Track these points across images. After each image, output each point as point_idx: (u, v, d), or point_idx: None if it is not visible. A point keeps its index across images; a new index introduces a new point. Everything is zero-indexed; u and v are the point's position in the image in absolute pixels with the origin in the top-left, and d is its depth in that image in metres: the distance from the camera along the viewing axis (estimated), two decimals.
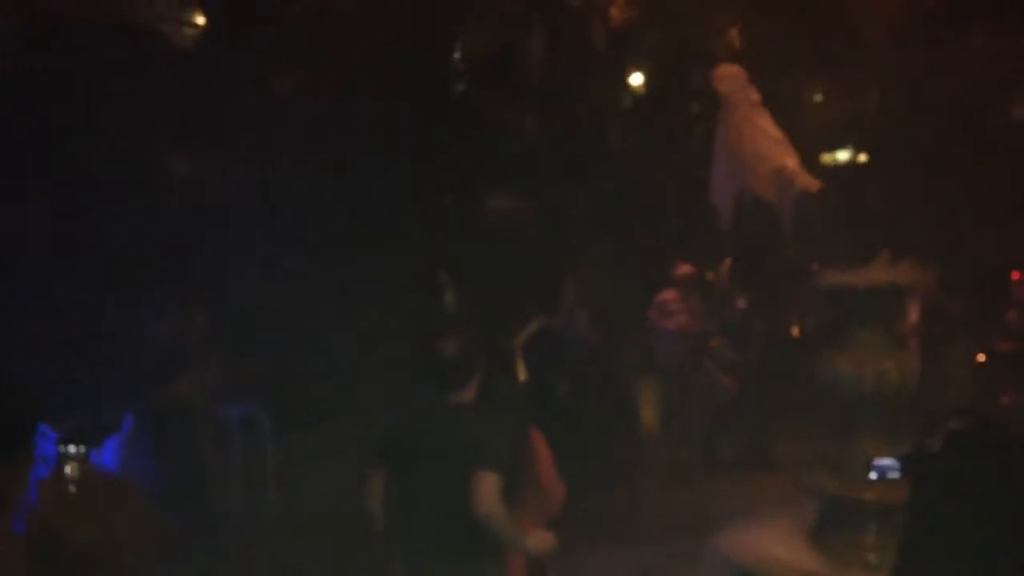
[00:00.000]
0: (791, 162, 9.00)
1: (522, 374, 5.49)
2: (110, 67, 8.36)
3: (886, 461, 4.99)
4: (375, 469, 3.59)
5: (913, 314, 7.55)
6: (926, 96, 11.83)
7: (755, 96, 9.32)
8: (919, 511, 1.86)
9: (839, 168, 12.95)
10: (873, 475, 4.54)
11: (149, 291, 6.02)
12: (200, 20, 9.47)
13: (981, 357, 7.85)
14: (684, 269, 8.73)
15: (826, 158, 12.70)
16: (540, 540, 3.56)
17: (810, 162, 9.78)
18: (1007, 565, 1.74)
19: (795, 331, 7.93)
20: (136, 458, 4.97)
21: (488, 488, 3.28)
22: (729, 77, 9.40)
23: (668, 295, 8.74)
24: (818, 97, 12.72)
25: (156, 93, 8.69)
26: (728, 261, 9.26)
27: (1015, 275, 7.48)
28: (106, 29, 8.64)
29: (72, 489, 2.81)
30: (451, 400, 3.52)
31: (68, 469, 2.90)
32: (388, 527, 3.55)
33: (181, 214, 8.85)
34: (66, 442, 3.08)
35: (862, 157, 12.93)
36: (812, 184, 9.04)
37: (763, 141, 9.05)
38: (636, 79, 12.03)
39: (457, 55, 10.83)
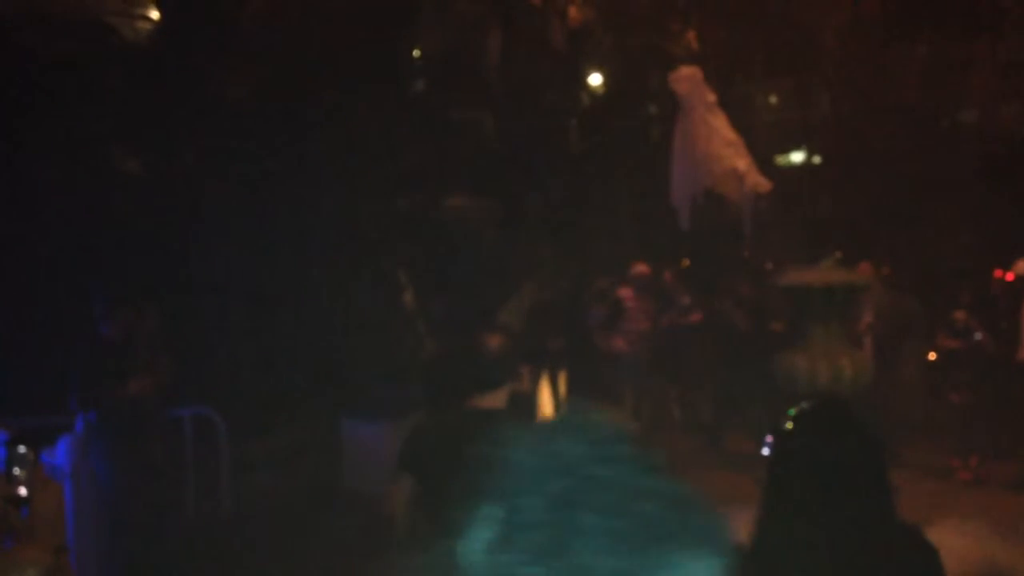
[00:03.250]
0: (742, 163, 9.12)
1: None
2: (58, 61, 8.17)
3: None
4: (402, 473, 3.39)
5: (868, 313, 7.68)
6: (876, 101, 12.07)
7: (711, 97, 9.42)
8: (774, 483, 2.03)
9: (792, 170, 13.14)
10: (765, 451, 4.65)
11: (100, 291, 5.89)
12: (153, 15, 9.29)
13: (932, 355, 8.00)
14: (640, 269, 8.80)
15: (780, 160, 12.88)
16: None
17: (764, 163, 9.91)
18: (847, 527, 1.94)
19: (750, 328, 8.02)
20: (89, 459, 4.86)
21: None
22: (686, 79, 9.50)
23: (625, 292, 8.81)
24: (772, 100, 12.90)
25: (106, 88, 8.51)
26: (685, 260, 9.35)
27: (997, 272, 7.66)
28: (55, 22, 8.45)
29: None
30: (484, 403, 3.33)
31: (16, 471, 2.82)
32: (415, 532, 3.39)
33: (132, 212, 8.68)
34: (15, 443, 3.00)
35: (815, 159, 13.14)
36: (763, 184, 9.17)
37: (717, 142, 9.17)
38: (595, 80, 12.09)
39: (415, 54, 10.78)
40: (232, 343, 8.34)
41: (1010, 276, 7.63)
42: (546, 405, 5.05)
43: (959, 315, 7.36)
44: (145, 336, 5.72)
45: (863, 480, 1.99)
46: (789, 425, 2.07)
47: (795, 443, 2.05)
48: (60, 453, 4.76)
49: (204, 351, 7.64)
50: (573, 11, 11.70)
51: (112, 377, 5.28)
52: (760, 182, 9.19)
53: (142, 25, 9.23)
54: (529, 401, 4.28)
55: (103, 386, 5.24)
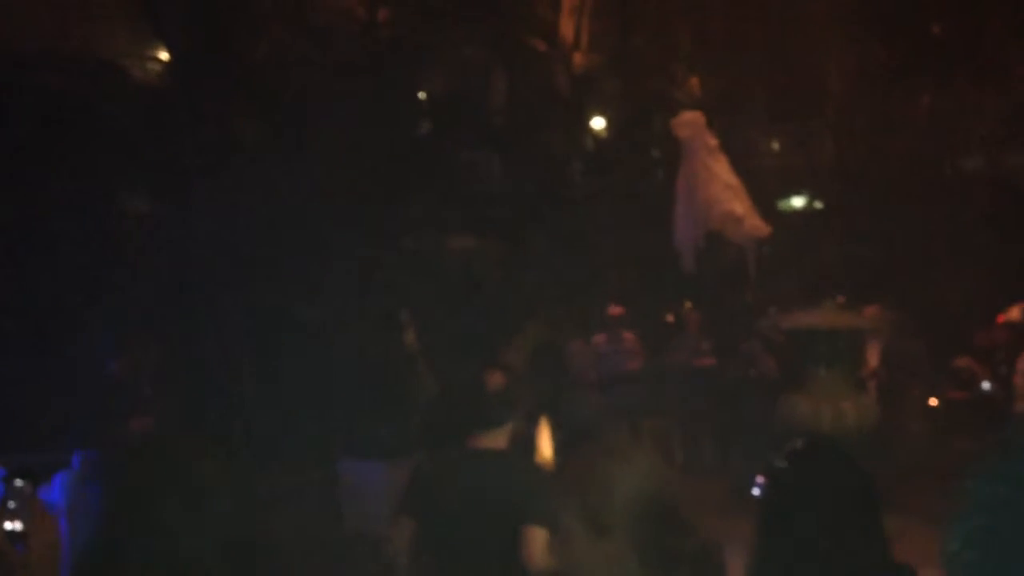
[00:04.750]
0: (740, 207, 9.18)
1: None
2: (68, 101, 8.28)
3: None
4: (403, 515, 3.34)
5: (873, 358, 7.66)
6: (880, 147, 12.15)
7: (713, 142, 9.51)
8: (767, 521, 2.05)
9: (795, 215, 13.20)
10: (756, 491, 4.64)
11: (103, 330, 5.91)
12: (163, 56, 9.44)
13: (934, 402, 7.97)
14: (614, 311, 8.83)
15: (782, 205, 12.94)
16: None
17: (766, 208, 9.96)
18: (840, 565, 1.95)
19: (775, 371, 8.02)
20: (86, 497, 4.83)
21: (540, 546, 3.07)
22: (689, 123, 9.59)
23: (599, 338, 8.86)
24: (775, 145, 13.00)
25: (114, 129, 8.62)
26: (688, 303, 9.36)
27: (999, 319, 7.67)
28: (65, 62, 8.58)
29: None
30: (486, 443, 3.30)
31: (13, 504, 2.81)
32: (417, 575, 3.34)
33: (137, 252, 8.73)
34: (12, 478, 2.99)
35: (817, 204, 13.20)
36: (762, 228, 9.22)
37: (716, 186, 9.23)
38: (598, 123, 12.21)
39: (421, 97, 10.91)
40: (235, 382, 8.33)
41: (1001, 319, 7.64)
42: (545, 447, 5.01)
43: (963, 362, 7.35)
44: (148, 374, 5.72)
45: (856, 518, 2.01)
46: (781, 464, 2.10)
47: (787, 481, 2.07)
48: (56, 489, 4.73)
49: (207, 390, 7.63)
50: (578, 56, 11.86)
51: (114, 415, 5.27)
52: (758, 226, 9.25)
53: (151, 66, 9.37)
54: (531, 442, 4.25)
55: (104, 424, 5.22)
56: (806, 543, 1.96)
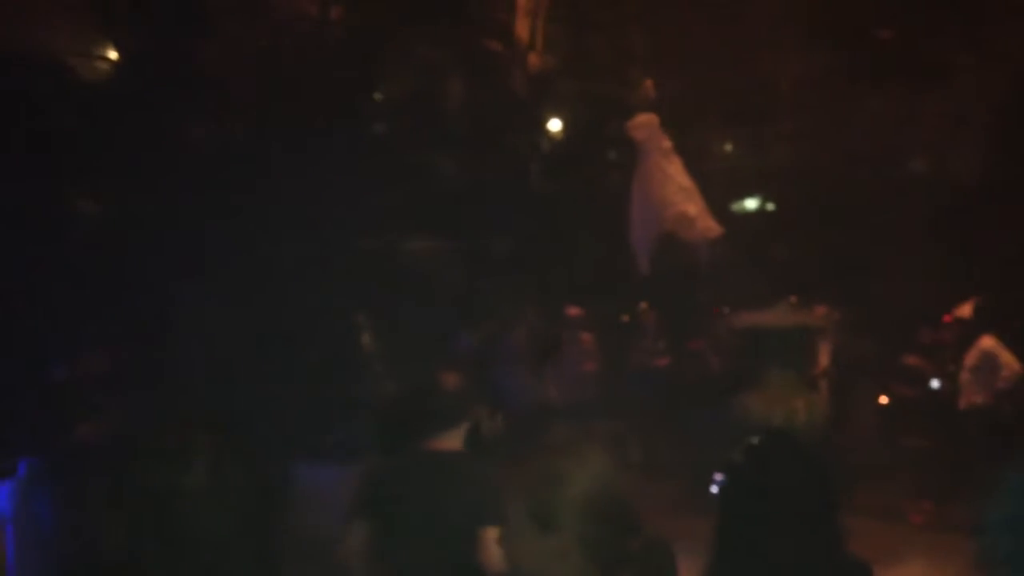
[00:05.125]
0: (692, 208, 9.28)
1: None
2: (10, 100, 8.09)
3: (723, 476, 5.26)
4: (357, 518, 3.34)
5: (824, 357, 7.78)
6: (829, 150, 12.35)
7: (667, 144, 9.61)
8: (725, 515, 2.09)
9: (748, 216, 13.36)
10: (714, 488, 4.73)
11: (49, 334, 5.78)
12: (111, 55, 9.27)
13: (884, 400, 8.12)
14: (572, 311, 8.88)
15: (735, 206, 13.10)
16: None
17: (719, 210, 10.08)
18: (797, 557, 1.99)
19: (722, 371, 8.12)
20: (32, 504, 4.73)
21: (497, 547, 3.09)
22: (643, 126, 9.68)
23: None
24: (728, 148, 13.15)
25: (62, 127, 8.44)
26: (644, 304, 9.43)
27: (946, 318, 7.84)
28: (8, 60, 8.38)
29: None
30: (440, 444, 3.31)
31: None
32: None
33: (86, 253, 8.56)
34: None
35: (769, 206, 13.38)
36: (713, 229, 9.33)
37: (670, 187, 9.34)
38: (554, 125, 12.26)
39: (378, 97, 10.85)
40: (184, 387, 8.20)
41: (948, 319, 7.82)
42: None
43: (912, 360, 7.50)
44: (95, 379, 5.62)
45: (813, 513, 2.04)
46: (739, 459, 2.13)
47: (745, 477, 2.10)
48: (1, 498, 4.63)
49: (156, 395, 7.50)
50: (533, 58, 11.89)
51: (61, 421, 5.16)
52: (711, 226, 9.35)
53: (100, 65, 9.20)
54: (488, 442, 4.25)
55: (51, 430, 5.12)
56: (764, 538, 1.99)
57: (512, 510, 1.76)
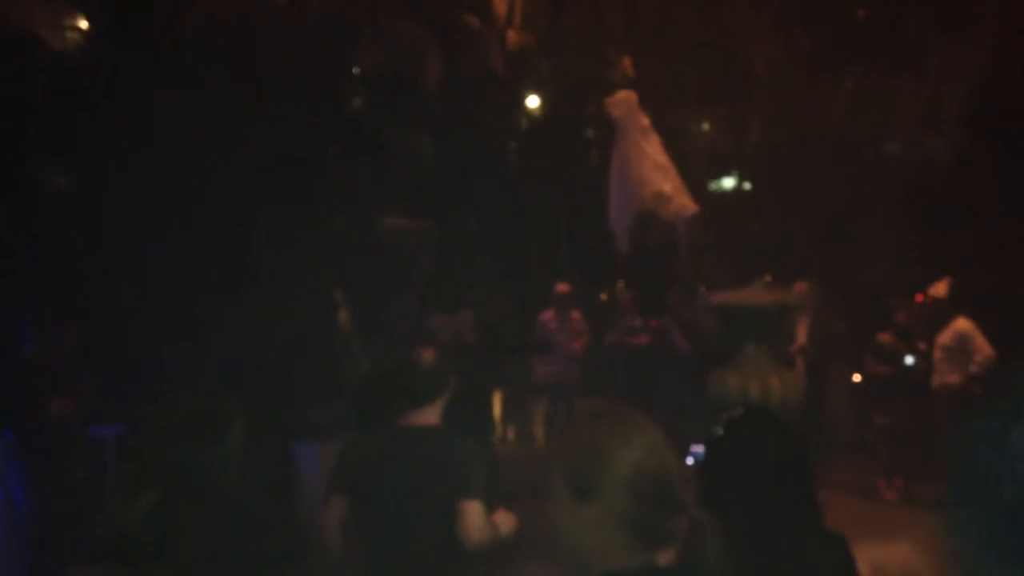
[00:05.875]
0: (668, 186, 9.29)
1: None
2: None
3: (700, 448, 5.33)
4: (335, 494, 3.31)
5: (801, 334, 7.83)
6: (805, 130, 12.41)
7: (645, 122, 9.59)
8: (705, 487, 2.12)
9: (724, 195, 13.41)
10: (690, 460, 4.82)
11: (22, 308, 5.71)
12: (82, 25, 9.09)
13: (857, 378, 8.19)
14: (561, 288, 8.88)
15: (712, 185, 13.14)
16: (508, 524, 3.35)
17: (696, 189, 10.10)
18: (775, 528, 2.03)
19: (689, 348, 8.14)
20: (6, 479, 4.68)
21: (476, 518, 3.12)
22: (622, 103, 9.65)
23: (547, 315, 8.89)
24: (705, 127, 13.17)
25: (30, 99, 8.29)
26: (621, 283, 9.45)
27: (918, 298, 7.89)
28: None
29: None
30: (418, 420, 3.30)
31: None
32: (349, 556, 3.30)
33: (56, 227, 8.43)
34: None
35: (746, 185, 13.43)
36: (689, 207, 9.35)
37: (647, 165, 9.33)
38: (532, 102, 12.20)
39: (354, 73, 10.74)
40: (158, 362, 8.13)
41: (919, 298, 7.88)
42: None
43: (885, 338, 7.55)
44: (67, 355, 5.55)
45: (791, 485, 2.07)
46: (719, 432, 2.15)
47: (726, 449, 2.12)
48: None
49: (129, 370, 7.43)
50: (512, 35, 11.82)
51: (32, 397, 5.11)
52: (687, 204, 9.37)
53: (71, 36, 9.03)
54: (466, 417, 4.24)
55: (23, 405, 5.06)
56: (743, 509, 2.02)
57: (553, 473, 1.73)
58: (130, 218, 8.45)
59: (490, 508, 3.25)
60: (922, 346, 7.63)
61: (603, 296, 9.34)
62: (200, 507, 1.96)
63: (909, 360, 7.24)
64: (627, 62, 10.35)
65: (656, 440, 1.76)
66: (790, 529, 2.07)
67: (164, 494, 2.02)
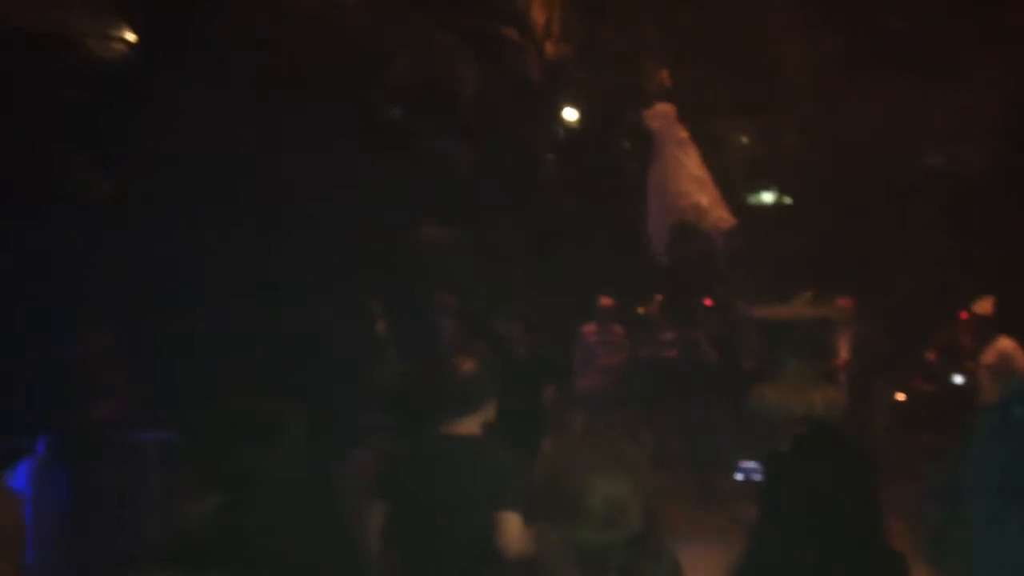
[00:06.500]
0: (705, 199, 9.24)
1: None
2: (25, 77, 8.07)
3: (750, 464, 5.28)
4: (375, 502, 3.33)
5: (843, 350, 7.73)
6: (844, 143, 12.29)
7: (682, 134, 9.56)
8: (770, 502, 2.10)
9: (764, 208, 13.32)
10: (739, 476, 4.77)
11: (65, 314, 5.78)
12: (128, 36, 9.23)
13: (901, 396, 8.07)
14: (605, 302, 8.85)
15: (751, 198, 13.06)
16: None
17: (735, 202, 10.04)
18: (840, 544, 2.01)
19: (719, 363, 8.07)
20: (50, 483, 4.73)
21: (515, 529, 3.08)
22: (659, 115, 9.64)
23: (589, 328, 8.86)
24: (744, 139, 13.10)
25: (73, 106, 8.42)
26: (658, 297, 9.40)
27: (963, 315, 7.77)
28: (24, 39, 8.35)
29: None
30: (458, 429, 3.30)
31: None
32: (388, 565, 3.31)
33: (98, 232, 8.54)
34: None
35: (786, 199, 13.33)
36: (726, 219, 9.29)
37: (684, 178, 9.31)
38: (570, 114, 12.20)
39: (391, 83, 10.80)
40: (200, 369, 8.19)
41: (964, 315, 7.75)
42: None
43: (932, 355, 7.43)
44: (111, 358, 5.61)
45: (857, 503, 2.05)
46: (785, 450, 2.12)
47: (791, 467, 2.09)
48: (20, 475, 4.63)
49: (171, 376, 7.49)
50: (549, 46, 11.83)
51: (77, 400, 5.16)
52: (724, 217, 9.32)
53: (115, 45, 9.17)
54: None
55: (67, 409, 5.12)
56: (810, 526, 1.99)
57: (527, 495, 1.76)
58: (170, 223, 8.55)
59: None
60: (968, 364, 7.50)
61: (640, 310, 9.30)
62: (261, 509, 1.95)
63: (958, 379, 7.11)
64: (665, 73, 10.32)
65: (633, 467, 1.79)
66: (854, 547, 2.04)
67: (225, 496, 2.01)
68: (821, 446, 2.14)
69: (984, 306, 7.58)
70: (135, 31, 9.33)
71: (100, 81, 8.83)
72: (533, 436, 5.27)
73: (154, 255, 8.30)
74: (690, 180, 9.39)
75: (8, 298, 7.24)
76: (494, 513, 3.11)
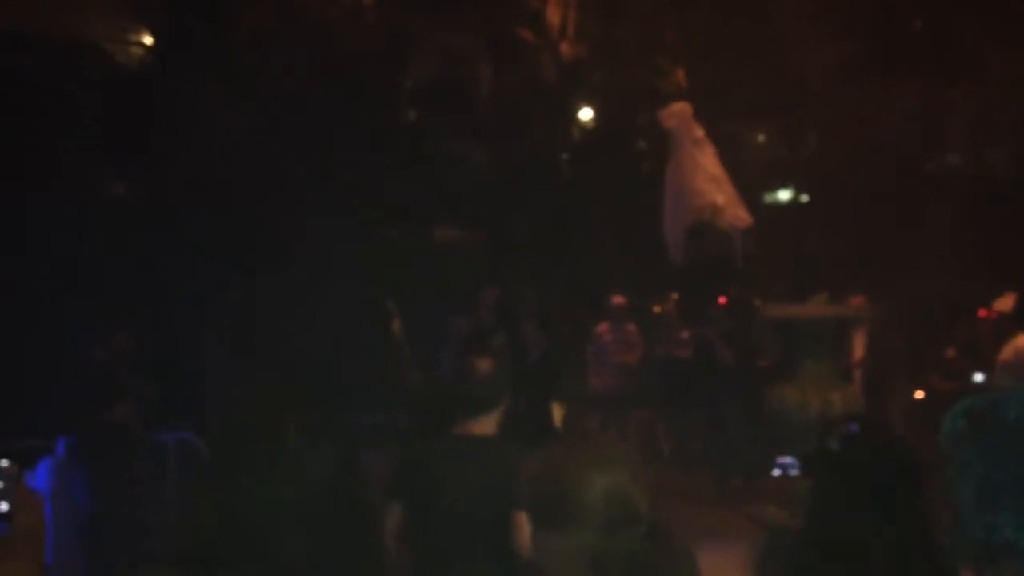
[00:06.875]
0: (721, 198, 9.20)
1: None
2: (48, 82, 8.16)
3: (787, 459, 5.25)
4: (391, 502, 3.32)
5: (859, 348, 7.68)
6: (862, 143, 12.21)
7: (699, 133, 9.52)
8: (819, 502, 2.06)
9: (780, 207, 13.25)
10: (776, 471, 4.76)
11: (85, 315, 5.84)
12: (146, 40, 9.31)
13: (920, 394, 8.00)
14: (617, 300, 8.83)
15: (767, 197, 12.99)
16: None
17: (751, 200, 9.99)
18: (892, 549, 1.97)
19: (734, 362, 8.05)
20: (70, 483, 4.77)
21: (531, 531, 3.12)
22: (675, 115, 9.60)
23: (603, 327, 8.85)
24: (760, 138, 13.04)
25: (94, 111, 8.50)
26: (674, 295, 9.37)
27: (982, 312, 7.71)
28: (46, 44, 8.44)
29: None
30: (474, 430, 3.29)
31: (0, 484, 2.73)
32: (404, 565, 3.32)
33: (118, 235, 8.62)
34: None
35: (802, 198, 13.26)
36: (743, 218, 9.24)
37: (700, 177, 9.26)
38: (585, 114, 12.20)
39: (407, 85, 10.84)
40: (218, 370, 8.25)
41: (983, 312, 7.67)
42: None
43: (951, 353, 7.36)
44: (130, 360, 5.65)
45: (909, 501, 2.02)
46: (836, 447, 2.08)
47: (841, 464, 2.07)
48: (40, 475, 4.67)
49: (190, 376, 7.56)
50: (565, 47, 11.83)
51: (96, 402, 5.20)
52: (740, 216, 9.27)
53: (135, 50, 9.25)
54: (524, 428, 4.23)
55: (87, 410, 5.15)
56: (862, 525, 1.97)
57: (525, 511, 1.74)
58: (190, 227, 8.62)
59: None
60: (988, 362, 7.42)
61: (655, 308, 9.27)
62: (267, 511, 1.96)
63: (978, 378, 7.04)
64: (680, 73, 10.29)
65: (626, 463, 1.77)
66: (907, 548, 2.01)
67: (233, 498, 2.03)
68: (872, 445, 2.09)
69: (1005, 303, 7.50)
70: (155, 36, 9.42)
71: (121, 85, 8.92)
72: (548, 436, 5.27)
73: (173, 257, 8.37)
74: (706, 179, 9.35)
75: (28, 300, 7.32)
76: (510, 514, 3.11)
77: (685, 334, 8.84)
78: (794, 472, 5.20)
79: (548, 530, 1.69)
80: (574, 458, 1.76)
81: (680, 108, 9.67)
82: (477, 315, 7.45)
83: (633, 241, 10.73)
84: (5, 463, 2.66)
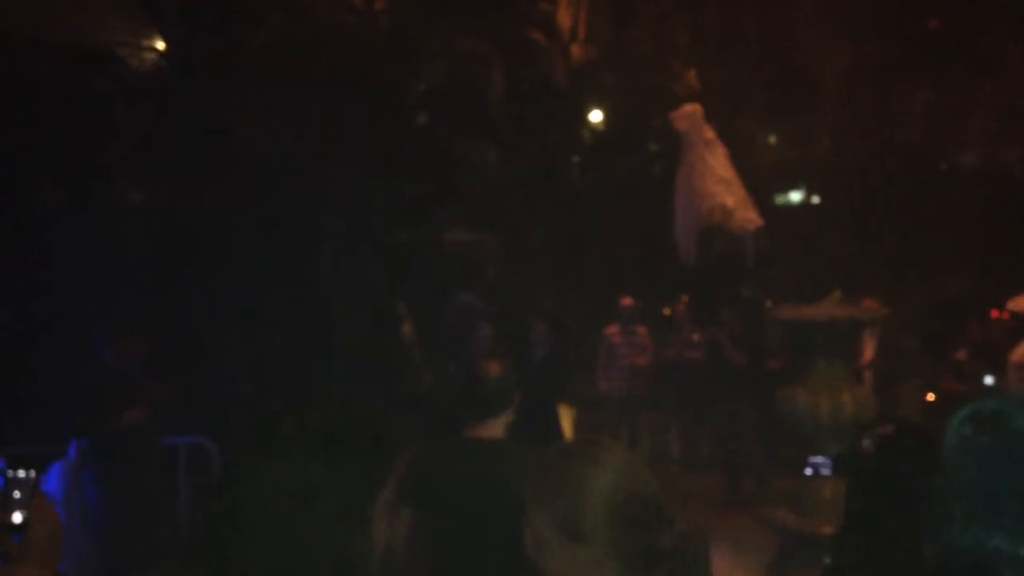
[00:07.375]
0: (731, 200, 9.18)
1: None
2: (61, 89, 8.22)
3: (819, 459, 5.26)
4: (400, 506, 3.29)
5: (870, 350, 7.65)
6: (876, 142, 12.16)
7: (710, 135, 9.51)
8: (854, 503, 2.10)
9: (792, 208, 13.21)
10: (808, 471, 4.76)
11: (98, 320, 5.87)
12: (159, 45, 9.37)
13: (931, 396, 7.96)
14: (626, 302, 8.83)
15: (779, 199, 12.95)
16: None
17: (763, 202, 9.97)
18: (926, 551, 1.88)
19: (744, 363, 8.03)
20: (82, 486, 4.81)
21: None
22: (687, 117, 9.59)
23: (612, 329, 8.84)
24: (772, 139, 13.00)
25: (109, 117, 8.56)
26: (685, 297, 9.36)
27: (993, 313, 7.66)
28: (58, 50, 8.50)
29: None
30: (483, 433, 3.29)
31: (16, 494, 2.75)
32: (415, 569, 3.31)
33: (133, 240, 8.68)
34: (14, 467, 2.95)
35: (814, 199, 13.21)
36: (753, 220, 9.22)
37: (711, 179, 9.25)
38: (597, 116, 12.19)
39: (420, 88, 10.86)
40: (229, 373, 8.30)
41: (995, 314, 7.61)
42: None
43: (963, 355, 7.32)
44: (143, 363, 5.69)
45: (943, 499, 2.03)
46: (871, 449, 2.10)
47: (878, 465, 2.09)
48: (52, 479, 4.71)
49: (202, 380, 7.60)
50: (576, 49, 11.82)
51: (108, 405, 5.24)
52: (750, 218, 9.25)
53: (148, 55, 9.31)
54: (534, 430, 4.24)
55: (100, 414, 5.19)
56: (894, 525, 1.98)
57: (539, 521, 1.72)
58: (205, 230, 8.66)
59: None
60: (1000, 363, 7.37)
61: (666, 311, 9.26)
62: (266, 512, 1.95)
63: (989, 380, 6.99)
64: (692, 74, 10.27)
65: (629, 462, 1.76)
66: (941, 547, 2.02)
67: (235, 499, 2.02)
68: (909, 445, 2.10)
69: (1019, 303, 7.44)
70: (172, 42, 9.47)
71: (139, 91, 8.97)
72: (556, 439, 5.29)
73: (188, 261, 8.42)
74: (716, 181, 9.34)
75: (44, 305, 7.38)
76: (519, 517, 3.12)
77: (696, 336, 8.82)
78: (826, 472, 5.20)
79: (576, 544, 1.68)
80: (583, 467, 1.75)
81: (691, 110, 9.66)
82: (488, 320, 7.46)
83: (643, 243, 10.72)
84: (23, 472, 2.67)
